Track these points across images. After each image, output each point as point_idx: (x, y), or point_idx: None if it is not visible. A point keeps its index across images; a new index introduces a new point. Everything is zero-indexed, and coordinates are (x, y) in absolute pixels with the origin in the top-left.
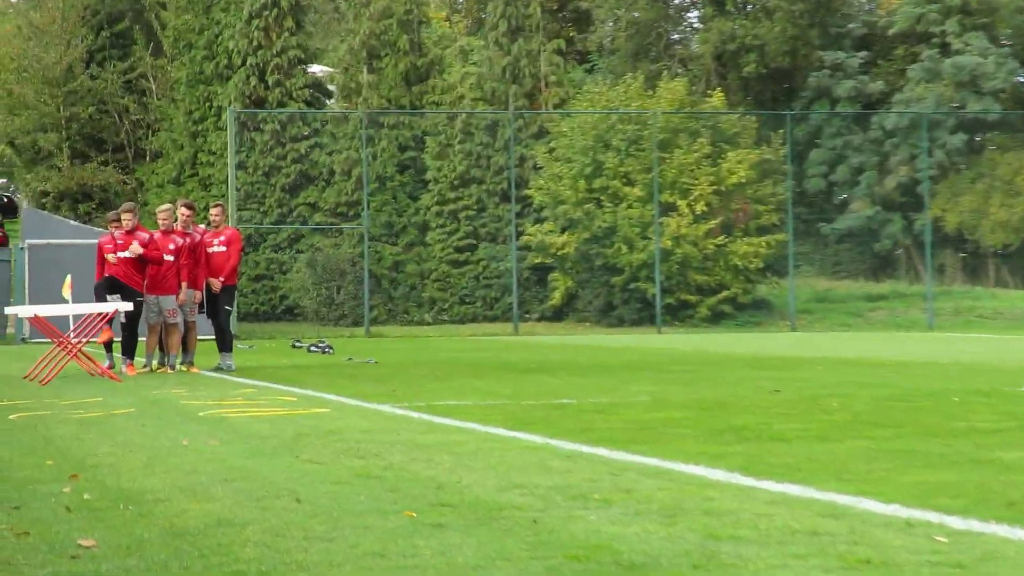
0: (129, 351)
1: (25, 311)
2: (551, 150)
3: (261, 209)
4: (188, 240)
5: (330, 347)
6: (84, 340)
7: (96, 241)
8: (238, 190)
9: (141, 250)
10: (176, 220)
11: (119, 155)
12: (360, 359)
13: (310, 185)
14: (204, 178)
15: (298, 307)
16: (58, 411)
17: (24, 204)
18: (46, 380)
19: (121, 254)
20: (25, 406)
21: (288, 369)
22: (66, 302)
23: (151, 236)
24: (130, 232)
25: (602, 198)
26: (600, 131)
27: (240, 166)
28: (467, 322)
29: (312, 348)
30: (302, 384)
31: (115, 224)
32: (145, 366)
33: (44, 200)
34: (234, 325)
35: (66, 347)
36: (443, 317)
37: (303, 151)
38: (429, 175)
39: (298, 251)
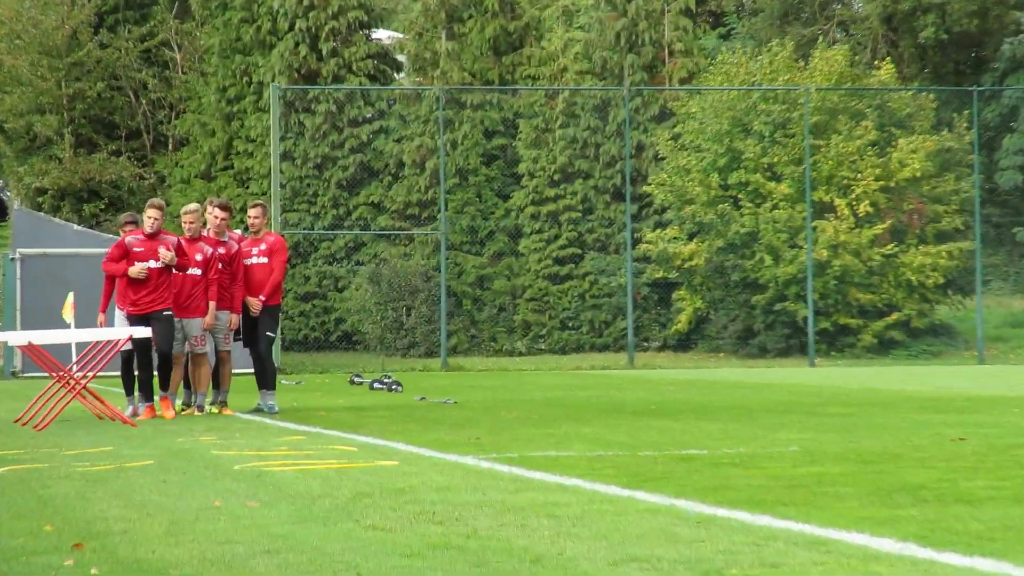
0: (144, 388)
1: (17, 338)
2: (676, 136)
3: (312, 210)
4: (221, 249)
5: (398, 384)
6: (90, 374)
7: (105, 250)
8: (283, 186)
9: (172, 255)
10: (205, 224)
11: (134, 143)
12: (436, 399)
13: (373, 180)
14: (241, 172)
15: (358, 333)
16: (58, 463)
17: (16, 204)
18: (42, 425)
19: (142, 266)
20: (17, 457)
21: (345, 411)
22: (67, 326)
23: (179, 241)
24: (153, 236)
25: (740, 196)
26: (738, 112)
27: (286, 157)
28: (570, 352)
29: (375, 385)
30: (363, 430)
31: (129, 228)
32: (200, 407)
33: (41, 199)
34: (277, 356)
35: (67, 383)
36: (539, 346)
37: (365, 138)
38: (523, 168)
39: (358, 263)
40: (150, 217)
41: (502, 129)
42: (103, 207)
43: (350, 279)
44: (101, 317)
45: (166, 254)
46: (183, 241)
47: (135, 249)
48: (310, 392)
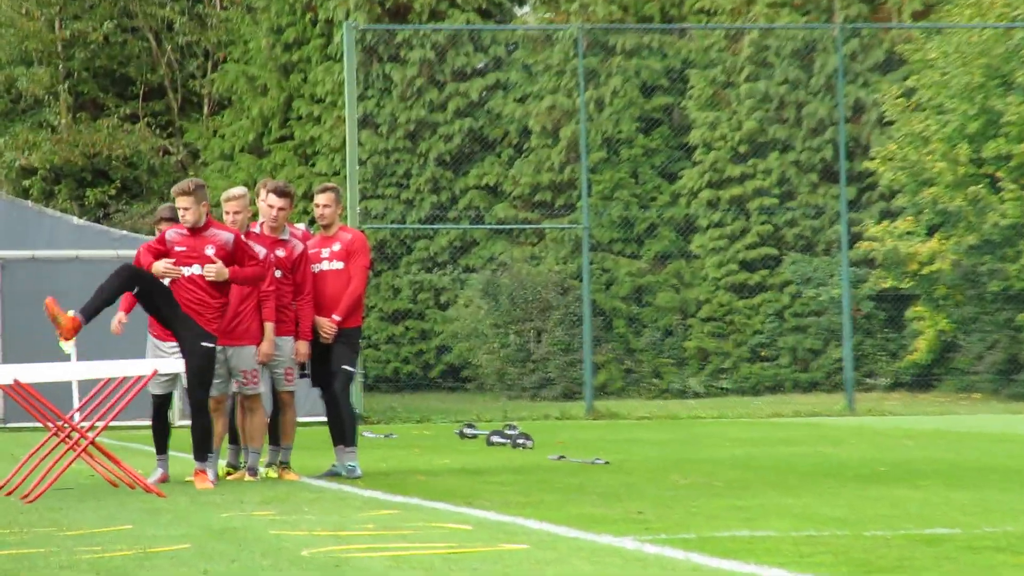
0: (162, 442)
1: None
2: (908, 93)
3: (403, 197)
4: (280, 251)
5: (526, 437)
6: (99, 425)
7: (117, 252)
8: (362, 163)
9: (225, 272)
10: (256, 217)
11: (156, 105)
12: (579, 458)
13: (488, 155)
14: (303, 144)
15: (468, 367)
16: (58, 548)
17: None
18: (35, 495)
19: (197, 272)
20: (1, 539)
21: (454, 475)
22: (67, 359)
23: (236, 239)
24: (196, 231)
25: (999, 175)
26: (995, 59)
27: (366, 123)
28: (764, 393)
29: (495, 439)
30: (479, 501)
31: (167, 222)
32: (202, 469)
33: (28, 183)
34: (359, 399)
35: (68, 437)
36: (722, 384)
37: (475, 96)
38: (695, 136)
39: (467, 269)
40: (182, 208)
41: (666, 83)
42: (114, 193)
43: (457, 292)
44: (120, 316)
45: (212, 269)
46: (244, 237)
47: (176, 248)
48: (405, 448)
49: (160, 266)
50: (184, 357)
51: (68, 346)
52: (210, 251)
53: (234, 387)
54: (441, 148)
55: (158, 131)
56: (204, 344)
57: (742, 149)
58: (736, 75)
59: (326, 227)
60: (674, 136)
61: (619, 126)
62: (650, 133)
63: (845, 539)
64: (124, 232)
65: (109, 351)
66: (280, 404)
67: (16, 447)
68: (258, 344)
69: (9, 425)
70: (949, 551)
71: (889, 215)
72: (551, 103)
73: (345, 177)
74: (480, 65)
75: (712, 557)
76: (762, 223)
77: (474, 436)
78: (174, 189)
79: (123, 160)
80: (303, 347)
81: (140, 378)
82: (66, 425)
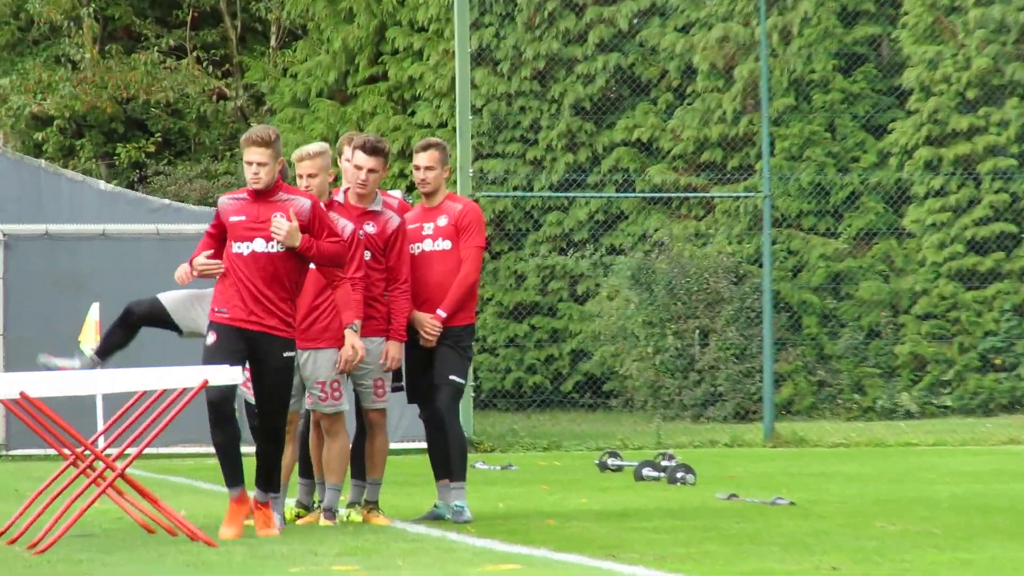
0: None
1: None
2: None
3: (528, 155)
4: (369, 226)
5: (687, 470)
6: (131, 452)
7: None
8: (476, 113)
9: (298, 236)
10: (338, 181)
11: (208, 34)
12: (755, 498)
13: (640, 101)
14: (399, 86)
15: (613, 378)
16: None
17: None
18: (45, 543)
19: (261, 248)
20: None
21: (593, 519)
22: (91, 364)
23: (316, 204)
24: (260, 196)
25: None
26: None
27: (482, 58)
28: (998, 412)
29: (646, 472)
30: (626, 553)
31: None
32: (265, 502)
33: (41, 135)
34: (469, 419)
35: (90, 468)
36: (943, 402)
37: (624, 24)
38: (910, 77)
39: (611, 250)
40: (256, 163)
41: (872, 8)
42: (153, 149)
43: (598, 280)
44: (184, 268)
45: (282, 226)
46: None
47: (231, 219)
48: (529, 484)
49: (200, 263)
50: (252, 373)
51: (91, 348)
52: (276, 218)
53: (308, 404)
54: (580, 92)
55: (211, 69)
56: (283, 355)
57: (970, 95)
58: None
59: (428, 195)
60: (882, 77)
61: (811, 64)
62: (851, 73)
63: None
64: (166, 200)
65: (142, 356)
66: (367, 427)
67: (22, 480)
68: (339, 347)
69: (13, 452)
70: None
71: None
72: (723, 33)
73: (454, 130)
74: None
75: None
76: (996, 191)
77: (619, 468)
78: (246, 138)
79: (165, 106)
80: (396, 351)
81: (184, 392)
82: (88, 452)
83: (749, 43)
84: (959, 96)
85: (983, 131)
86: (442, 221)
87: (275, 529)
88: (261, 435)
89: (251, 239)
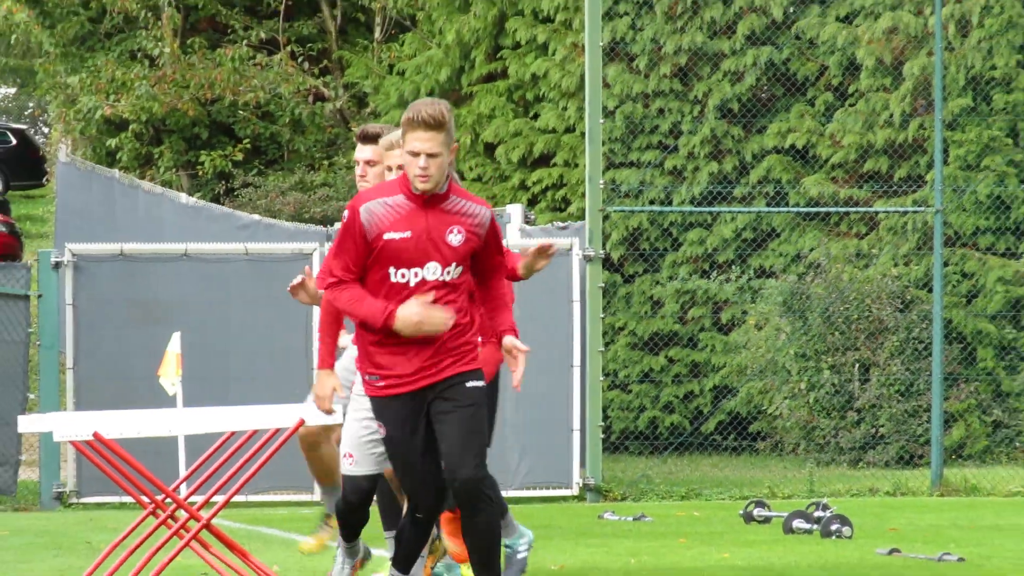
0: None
1: (67, 427)
2: None
3: (667, 164)
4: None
5: (843, 522)
6: (218, 500)
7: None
8: (608, 115)
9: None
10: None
11: (303, 27)
12: (920, 554)
13: (795, 102)
14: (521, 85)
15: (760, 416)
16: None
17: (62, 152)
18: None
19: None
20: None
21: (736, 575)
22: (172, 402)
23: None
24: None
25: None
26: None
27: (615, 54)
28: None
29: (798, 523)
30: None
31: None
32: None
33: (114, 142)
34: (597, 464)
35: (171, 518)
36: None
37: (778, 14)
38: None
39: (761, 272)
40: (418, 153)
41: None
42: (241, 157)
43: (745, 306)
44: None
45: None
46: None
47: (388, 236)
48: (664, 537)
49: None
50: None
51: (171, 384)
52: (455, 238)
53: None
54: (727, 92)
55: (307, 66)
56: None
57: None
58: None
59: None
60: None
61: (992, 59)
62: None
63: None
64: (257, 217)
65: (230, 391)
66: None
67: (95, 532)
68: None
69: (84, 500)
70: None
71: None
72: (890, 24)
73: (582, 135)
74: None
75: None
76: None
77: (766, 520)
78: (409, 118)
79: (255, 108)
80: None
81: (278, 432)
82: (169, 500)
83: (921, 35)
84: None
85: None
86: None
87: None
88: (469, 498)
89: (421, 264)
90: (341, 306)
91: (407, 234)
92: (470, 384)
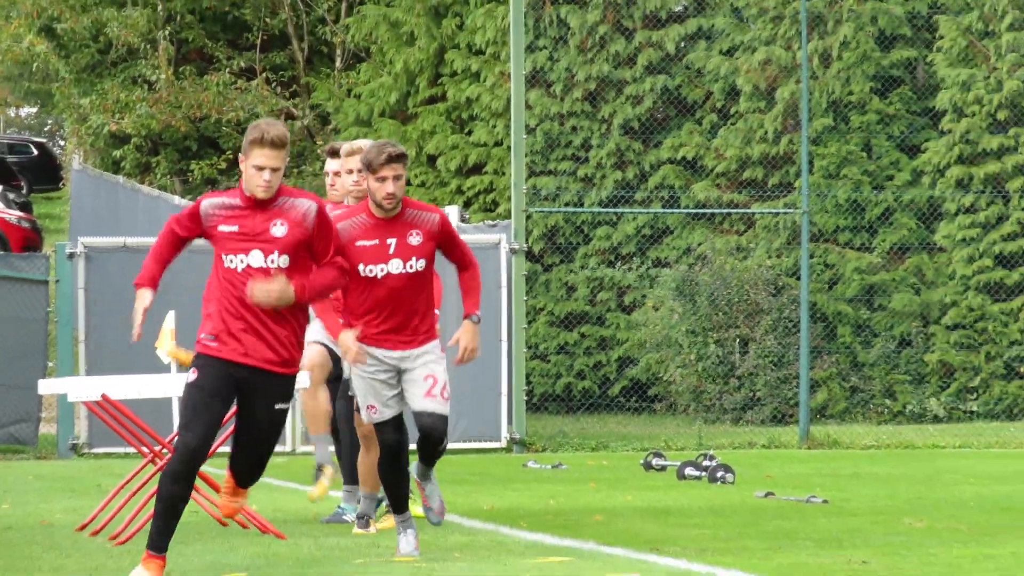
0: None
1: (81, 389)
2: None
3: (579, 173)
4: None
5: (727, 470)
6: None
7: None
8: (530, 132)
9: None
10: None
11: (276, 57)
12: (791, 496)
13: (685, 121)
14: (457, 106)
15: (657, 383)
16: None
17: (75, 162)
18: (125, 535)
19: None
20: None
21: (637, 515)
22: (167, 368)
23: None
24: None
25: None
26: None
27: (536, 80)
28: (1020, 417)
29: (688, 471)
30: (669, 548)
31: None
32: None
33: (119, 153)
34: (521, 422)
35: (164, 464)
36: (969, 407)
37: (671, 48)
38: (943, 99)
39: (657, 263)
40: (263, 168)
41: (908, 33)
42: (224, 166)
43: (644, 291)
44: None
45: (268, 291)
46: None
47: (221, 228)
48: (577, 483)
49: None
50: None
51: (166, 353)
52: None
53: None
54: (628, 112)
55: (279, 89)
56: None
57: (1001, 116)
58: (996, 22)
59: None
60: (917, 99)
61: (849, 86)
62: (887, 95)
63: None
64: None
65: None
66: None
67: (104, 477)
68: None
69: (95, 451)
70: None
71: None
72: (765, 56)
73: (509, 148)
74: (678, 8)
75: None
76: (1023, 208)
77: (663, 468)
78: (256, 137)
79: (236, 125)
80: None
81: None
82: (165, 451)
83: (790, 66)
84: (990, 117)
85: (1012, 151)
86: None
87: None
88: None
89: (247, 251)
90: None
91: (234, 228)
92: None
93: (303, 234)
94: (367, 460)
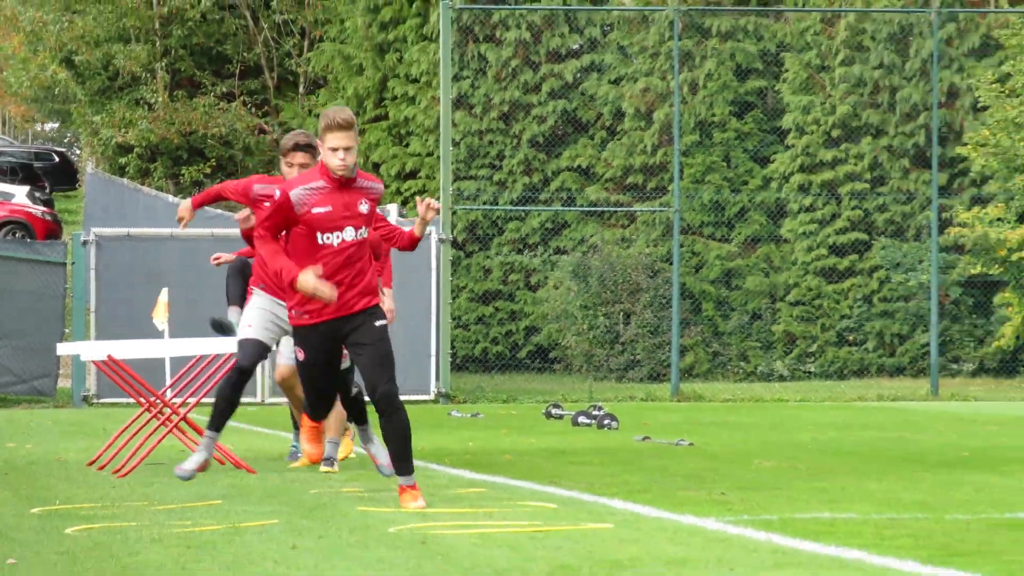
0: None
1: (91, 351)
2: (1003, 78)
3: (496, 178)
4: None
5: (612, 418)
6: (191, 401)
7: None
8: (456, 144)
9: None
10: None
11: (252, 83)
12: (664, 440)
13: (581, 137)
14: (397, 124)
15: (556, 348)
16: (148, 522)
17: (89, 167)
18: (127, 470)
19: (351, 237)
20: (93, 513)
21: (540, 455)
22: (160, 335)
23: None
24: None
25: None
26: None
27: (461, 103)
28: (850, 377)
29: (581, 419)
30: (564, 481)
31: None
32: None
33: (124, 160)
34: (446, 379)
35: (160, 413)
36: (808, 368)
37: (570, 78)
38: (788, 120)
39: (557, 251)
40: (336, 148)
41: (760, 67)
42: (209, 171)
43: (547, 273)
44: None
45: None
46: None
47: (314, 211)
48: (491, 428)
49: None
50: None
51: (160, 322)
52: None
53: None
54: (534, 130)
55: (254, 110)
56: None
57: (835, 134)
58: (831, 59)
59: None
60: (767, 120)
61: (712, 109)
62: (743, 117)
63: (926, 523)
64: (219, 211)
65: (200, 328)
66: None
67: (109, 423)
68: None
69: (102, 400)
70: None
71: (980, 201)
72: (645, 85)
73: (438, 158)
74: (575, 47)
75: (793, 539)
76: (853, 208)
77: (560, 416)
78: (329, 123)
79: (219, 139)
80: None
81: (231, 355)
82: (158, 401)
83: (665, 93)
84: (826, 135)
85: (844, 162)
86: None
87: (423, 502)
88: (386, 406)
89: (341, 229)
90: (264, 254)
91: (328, 208)
92: (378, 323)
93: (373, 211)
94: (334, 410)
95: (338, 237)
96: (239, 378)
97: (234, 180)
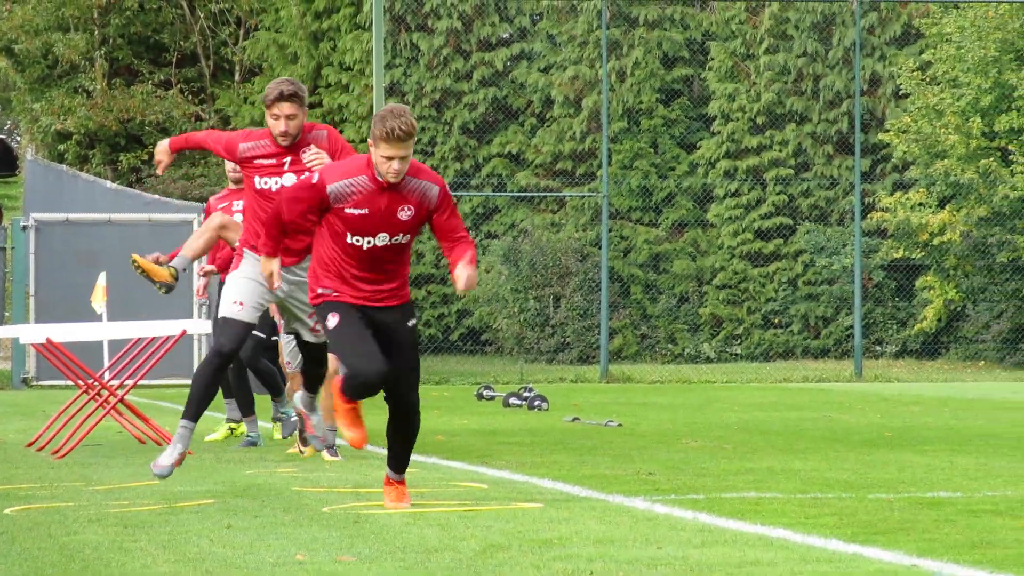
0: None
1: (30, 333)
2: (924, 66)
3: (427, 164)
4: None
5: (542, 400)
6: (128, 383)
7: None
8: None
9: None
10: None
11: (189, 71)
12: (593, 420)
13: (511, 124)
14: (331, 111)
15: (488, 331)
16: (86, 503)
17: (28, 153)
18: (65, 451)
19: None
20: (32, 493)
21: (471, 435)
22: (98, 318)
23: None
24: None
25: (1011, 148)
26: (1010, 34)
27: (393, 91)
28: (775, 359)
29: (512, 401)
30: (495, 461)
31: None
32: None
33: (63, 147)
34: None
35: (97, 395)
36: (734, 350)
37: (500, 66)
38: (714, 107)
39: (489, 235)
40: (391, 158)
41: (686, 55)
42: (146, 158)
43: (478, 257)
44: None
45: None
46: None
47: (347, 211)
48: (424, 409)
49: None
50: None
51: (99, 306)
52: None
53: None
54: (466, 117)
55: (190, 97)
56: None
57: (760, 120)
58: (755, 47)
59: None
60: (693, 107)
61: (640, 97)
62: (670, 104)
63: (850, 501)
64: (156, 196)
65: (137, 311)
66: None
67: (47, 404)
68: None
69: (41, 383)
70: (950, 514)
71: (902, 187)
72: (574, 73)
73: None
74: (505, 35)
75: (720, 517)
76: (777, 193)
77: (492, 398)
78: (386, 131)
79: (156, 126)
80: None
81: (168, 338)
82: (96, 383)
83: (593, 81)
84: (751, 122)
85: (768, 148)
86: None
87: (408, 502)
88: (408, 412)
89: (374, 235)
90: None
91: (364, 211)
92: (410, 323)
93: (424, 214)
94: (327, 399)
95: (368, 242)
96: (220, 362)
97: (219, 131)
